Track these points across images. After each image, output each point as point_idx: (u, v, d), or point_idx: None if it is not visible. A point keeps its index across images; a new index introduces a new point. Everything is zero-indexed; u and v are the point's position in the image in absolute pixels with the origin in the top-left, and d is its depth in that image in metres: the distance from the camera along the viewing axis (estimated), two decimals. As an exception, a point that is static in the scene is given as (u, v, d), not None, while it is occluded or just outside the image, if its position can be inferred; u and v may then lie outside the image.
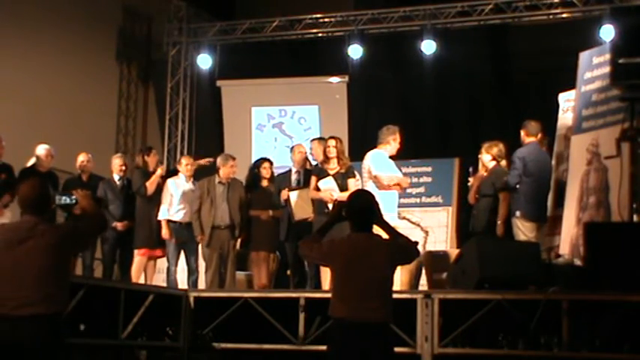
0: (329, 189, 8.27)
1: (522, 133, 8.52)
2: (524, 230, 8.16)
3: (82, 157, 9.47)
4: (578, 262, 7.53)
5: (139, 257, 9.21)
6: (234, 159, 9.24)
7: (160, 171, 9.33)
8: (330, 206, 8.20)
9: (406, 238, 5.00)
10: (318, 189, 8.36)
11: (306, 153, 9.26)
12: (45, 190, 4.81)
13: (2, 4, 10.84)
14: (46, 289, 4.52)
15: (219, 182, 9.05)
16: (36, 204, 4.67)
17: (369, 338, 4.66)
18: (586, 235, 6.78)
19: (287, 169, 9.51)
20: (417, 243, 5.15)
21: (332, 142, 8.44)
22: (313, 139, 9.50)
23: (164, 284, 9.27)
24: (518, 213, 8.20)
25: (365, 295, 4.71)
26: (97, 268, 9.82)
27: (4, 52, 10.93)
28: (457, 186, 10.88)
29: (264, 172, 9.07)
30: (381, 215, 5.00)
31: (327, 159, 8.44)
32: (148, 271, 9.27)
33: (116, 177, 9.48)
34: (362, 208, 4.91)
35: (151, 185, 9.23)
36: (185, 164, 9.52)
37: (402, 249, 4.96)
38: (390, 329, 4.90)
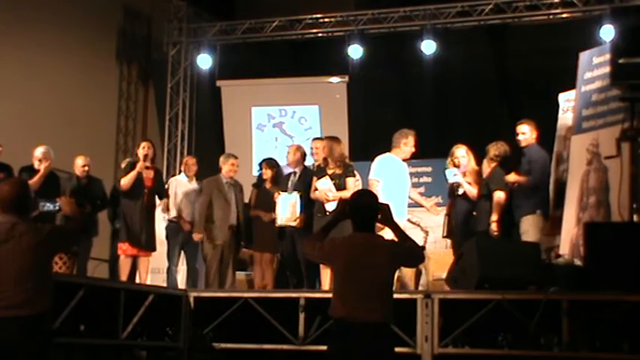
0: (325, 189, 8.27)
1: (528, 129, 8.37)
2: (539, 229, 8.16)
3: (81, 162, 9.35)
4: (578, 262, 7.52)
5: (122, 256, 8.98)
6: (235, 158, 9.25)
7: (137, 168, 8.85)
8: (327, 207, 8.22)
9: (413, 242, 5.00)
10: (316, 189, 8.37)
11: (295, 153, 9.15)
12: (25, 190, 4.79)
13: (2, 5, 10.83)
14: (26, 290, 4.50)
15: (226, 182, 9.08)
16: (15, 204, 4.65)
17: (369, 339, 4.65)
18: (586, 235, 6.77)
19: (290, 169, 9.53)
20: (423, 248, 5.14)
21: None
22: (316, 139, 9.44)
23: (164, 284, 9.26)
24: (538, 211, 8.18)
25: (364, 296, 4.70)
26: (97, 268, 9.82)
27: (4, 52, 10.92)
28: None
29: (264, 173, 9.10)
30: (390, 216, 4.98)
31: (325, 159, 8.45)
32: (142, 270, 9.02)
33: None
34: (364, 208, 4.91)
35: (126, 181, 8.81)
36: (191, 164, 9.54)
37: (407, 252, 4.95)
38: (390, 330, 4.88)
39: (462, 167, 8.53)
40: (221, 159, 9.28)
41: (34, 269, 4.55)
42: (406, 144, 8.32)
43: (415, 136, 8.38)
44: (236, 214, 9.03)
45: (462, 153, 8.56)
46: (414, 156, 8.52)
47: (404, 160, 8.40)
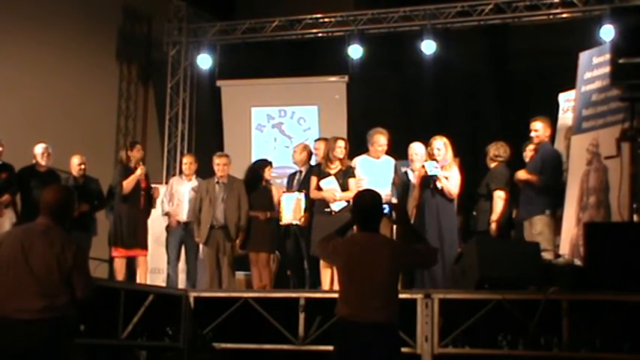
0: (331, 189, 8.28)
1: (541, 126, 8.28)
2: (553, 230, 8.12)
3: (77, 160, 9.37)
4: (578, 262, 7.53)
5: (116, 258, 9.03)
6: (222, 156, 9.21)
7: (139, 171, 8.95)
8: (333, 206, 8.24)
9: (427, 243, 4.99)
10: (319, 188, 8.37)
11: (301, 152, 9.17)
12: (68, 198, 4.84)
13: (2, 4, 10.83)
14: (50, 294, 4.55)
15: (217, 182, 9.08)
16: (54, 210, 4.73)
17: (371, 338, 4.65)
18: (586, 235, 6.78)
19: (289, 169, 9.53)
20: (436, 249, 5.12)
21: (342, 144, 8.42)
22: (318, 139, 9.47)
23: (164, 284, 9.27)
24: (548, 211, 8.10)
25: (366, 295, 4.71)
26: (97, 267, 9.82)
27: (4, 52, 10.92)
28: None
29: (267, 173, 9.08)
30: (405, 217, 4.98)
31: (330, 159, 8.43)
32: (140, 270, 9.06)
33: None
34: (367, 208, 4.92)
35: (127, 184, 8.88)
36: (189, 163, 9.56)
37: (415, 253, 4.95)
38: (395, 330, 4.87)
39: (441, 161, 8.06)
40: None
41: (59, 274, 4.59)
42: (371, 144, 8.43)
43: (382, 133, 8.45)
44: (223, 214, 8.95)
45: (438, 145, 8.08)
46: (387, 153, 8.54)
47: (377, 158, 8.47)
